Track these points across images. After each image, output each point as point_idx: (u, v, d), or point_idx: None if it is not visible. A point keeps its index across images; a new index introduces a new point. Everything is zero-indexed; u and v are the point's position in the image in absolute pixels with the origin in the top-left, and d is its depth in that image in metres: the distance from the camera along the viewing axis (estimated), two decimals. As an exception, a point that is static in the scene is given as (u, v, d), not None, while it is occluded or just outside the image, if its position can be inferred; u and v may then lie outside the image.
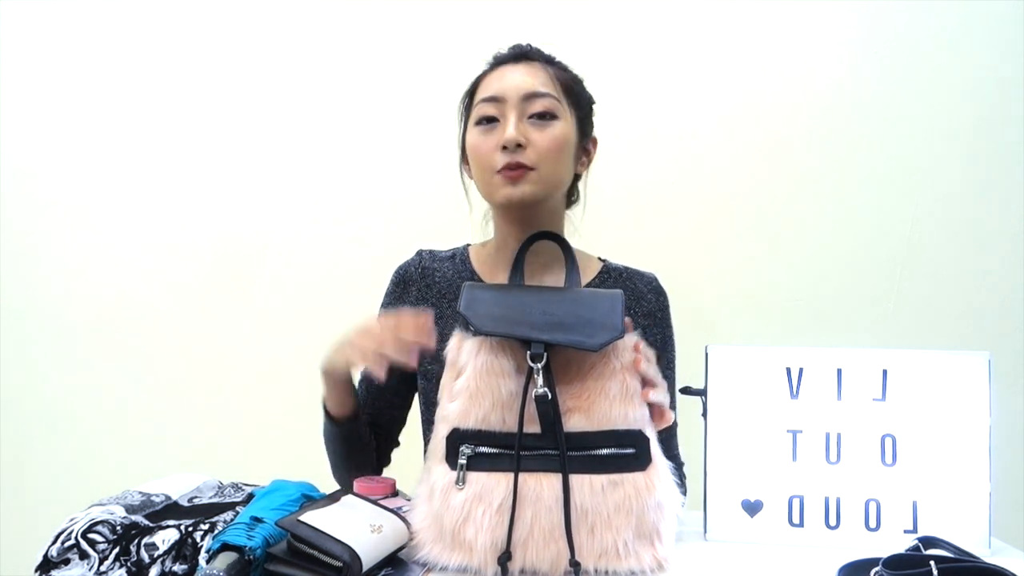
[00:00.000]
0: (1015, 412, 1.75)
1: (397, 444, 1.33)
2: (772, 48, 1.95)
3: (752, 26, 1.94)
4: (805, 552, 1.01)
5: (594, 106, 1.25)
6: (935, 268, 1.93)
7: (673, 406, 1.23)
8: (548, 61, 1.20)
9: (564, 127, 1.15)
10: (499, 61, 1.21)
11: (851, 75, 1.94)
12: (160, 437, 1.99)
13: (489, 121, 1.15)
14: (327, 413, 1.19)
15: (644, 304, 1.26)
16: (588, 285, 1.25)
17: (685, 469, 1.22)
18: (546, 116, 1.14)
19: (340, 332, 1.06)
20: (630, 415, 0.92)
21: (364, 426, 1.22)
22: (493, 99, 1.14)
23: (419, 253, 1.32)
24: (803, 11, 1.94)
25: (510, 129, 1.11)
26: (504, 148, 1.11)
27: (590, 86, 1.24)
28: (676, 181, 1.95)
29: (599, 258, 1.30)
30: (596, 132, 1.26)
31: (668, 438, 1.20)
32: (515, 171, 1.11)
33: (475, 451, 0.90)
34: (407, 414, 1.33)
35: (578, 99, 1.20)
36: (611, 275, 1.27)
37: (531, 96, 1.13)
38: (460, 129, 1.24)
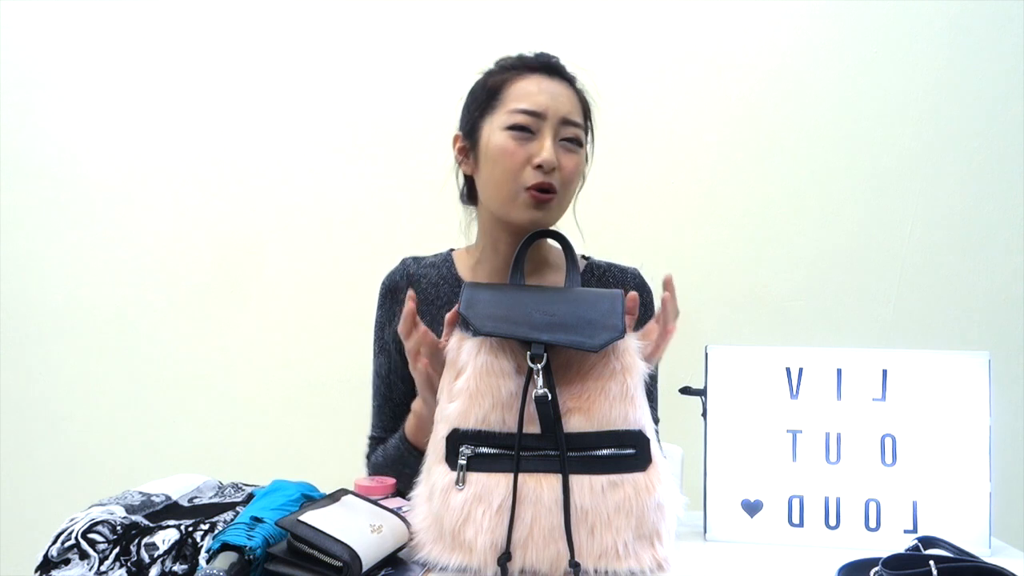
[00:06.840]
0: (1015, 412, 1.76)
1: None
2: (773, 48, 1.95)
3: (753, 26, 1.94)
4: (805, 552, 1.01)
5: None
6: (935, 268, 1.93)
7: (655, 402, 1.23)
8: (574, 83, 1.20)
9: (582, 156, 1.18)
10: (528, 67, 1.17)
11: (851, 75, 1.94)
12: (160, 437, 1.99)
13: (522, 130, 1.12)
14: (416, 450, 1.13)
15: None
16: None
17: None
18: (574, 142, 1.15)
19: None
20: (630, 415, 0.91)
21: None
22: (534, 113, 1.12)
23: (403, 261, 1.31)
24: (803, 11, 1.94)
25: (549, 150, 1.10)
26: (539, 167, 1.10)
27: (590, 85, 1.24)
28: (675, 181, 1.95)
29: (583, 256, 1.30)
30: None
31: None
32: (546, 193, 1.11)
33: (475, 451, 0.90)
34: None
35: (591, 127, 1.23)
36: (594, 273, 1.28)
37: (568, 122, 1.14)
38: (466, 118, 1.20)
